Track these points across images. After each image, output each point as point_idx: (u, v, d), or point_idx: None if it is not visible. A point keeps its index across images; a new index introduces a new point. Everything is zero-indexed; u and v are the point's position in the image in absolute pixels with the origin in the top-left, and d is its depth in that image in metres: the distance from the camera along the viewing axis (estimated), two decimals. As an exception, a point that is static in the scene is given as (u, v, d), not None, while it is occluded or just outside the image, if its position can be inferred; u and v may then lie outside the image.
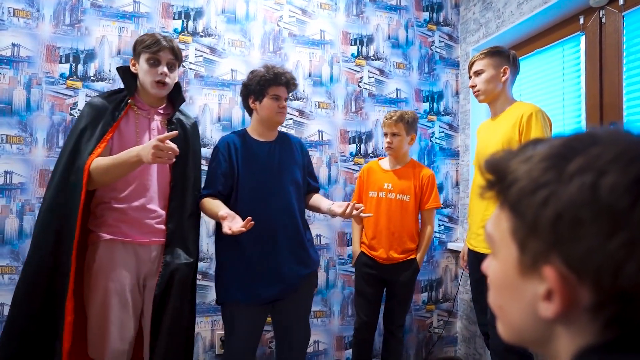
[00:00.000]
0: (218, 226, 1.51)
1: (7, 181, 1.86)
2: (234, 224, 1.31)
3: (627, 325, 0.33)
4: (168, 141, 1.21)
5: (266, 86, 1.56)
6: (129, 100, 1.40)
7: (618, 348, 0.33)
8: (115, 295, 1.30)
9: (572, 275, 0.33)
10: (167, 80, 1.39)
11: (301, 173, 1.66)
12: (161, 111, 1.47)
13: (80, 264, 1.32)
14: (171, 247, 1.39)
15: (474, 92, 1.65)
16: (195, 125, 1.57)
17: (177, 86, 1.50)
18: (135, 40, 1.42)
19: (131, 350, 1.36)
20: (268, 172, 1.57)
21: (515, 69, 1.59)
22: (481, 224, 1.56)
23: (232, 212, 1.37)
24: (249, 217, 1.30)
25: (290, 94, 1.66)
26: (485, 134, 1.67)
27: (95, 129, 1.32)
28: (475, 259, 1.59)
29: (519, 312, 0.38)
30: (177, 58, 1.43)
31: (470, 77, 1.68)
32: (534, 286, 0.36)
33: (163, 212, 1.42)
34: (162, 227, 1.41)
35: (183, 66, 2.10)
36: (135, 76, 1.43)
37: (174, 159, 1.26)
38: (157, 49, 1.37)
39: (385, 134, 1.94)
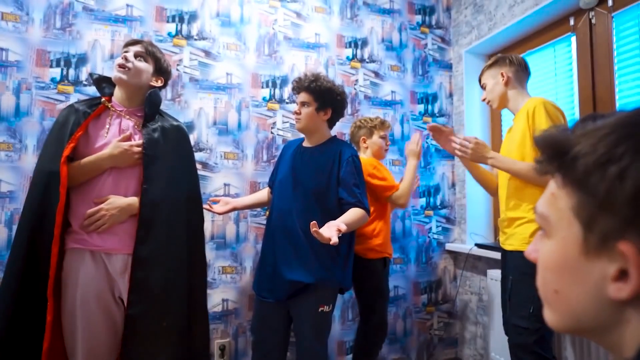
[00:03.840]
0: None
1: (-4, 189, 1.79)
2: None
3: None
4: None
5: None
6: (103, 100, 1.40)
7: None
8: (81, 306, 1.26)
9: None
10: (129, 64, 1.37)
11: (326, 182, 1.58)
12: (137, 114, 1.43)
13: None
14: (143, 257, 1.29)
15: (487, 104, 1.70)
16: (179, 128, 1.48)
17: (154, 93, 1.44)
18: None
19: None
20: (287, 175, 1.65)
21: (519, 67, 1.60)
22: (502, 223, 1.59)
23: (225, 198, 1.82)
24: (212, 199, 1.80)
25: (313, 97, 1.62)
26: (507, 134, 1.67)
27: (65, 130, 1.32)
28: (503, 256, 1.63)
29: (581, 295, 0.36)
30: (147, 53, 1.43)
31: None
32: (602, 266, 0.34)
33: (135, 219, 1.32)
34: (134, 234, 1.31)
35: (177, 70, 2.07)
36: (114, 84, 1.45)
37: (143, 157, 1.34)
38: (129, 44, 1.44)
39: (385, 137, 2.03)
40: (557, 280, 0.38)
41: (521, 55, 1.65)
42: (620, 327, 0.34)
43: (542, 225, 0.40)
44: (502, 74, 1.59)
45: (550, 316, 0.40)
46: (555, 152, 0.37)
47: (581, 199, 0.35)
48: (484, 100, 1.69)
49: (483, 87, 1.68)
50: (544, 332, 1.36)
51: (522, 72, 1.60)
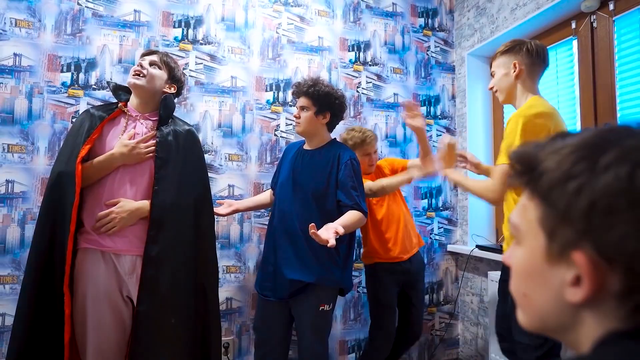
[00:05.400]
0: None
1: (9, 190, 1.85)
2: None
3: None
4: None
5: None
6: (119, 105, 1.47)
7: None
8: (91, 303, 1.31)
9: (602, 261, 0.34)
10: (144, 71, 1.44)
11: (324, 184, 1.62)
12: (151, 118, 1.48)
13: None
14: (153, 256, 1.32)
15: (494, 93, 1.54)
16: (190, 132, 1.52)
17: (169, 98, 1.49)
18: None
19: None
20: (287, 177, 1.70)
21: (537, 60, 1.41)
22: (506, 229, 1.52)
23: (228, 200, 1.86)
24: (218, 201, 1.84)
25: (311, 101, 1.67)
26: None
27: (81, 133, 1.38)
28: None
29: (545, 298, 0.39)
30: (162, 62, 1.50)
31: None
32: (562, 272, 0.37)
33: (145, 220, 1.36)
34: (144, 236, 1.35)
35: (184, 74, 2.12)
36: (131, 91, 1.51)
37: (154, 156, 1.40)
38: (145, 54, 1.52)
39: (369, 153, 2.00)
40: (525, 284, 0.41)
41: (540, 43, 1.44)
42: (578, 327, 0.38)
43: (514, 234, 0.43)
44: (514, 65, 1.40)
45: (521, 317, 0.43)
46: (526, 167, 0.40)
47: (545, 211, 0.38)
48: (490, 89, 1.52)
49: (492, 75, 1.51)
50: (549, 347, 1.27)
51: (539, 65, 1.42)
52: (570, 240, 0.36)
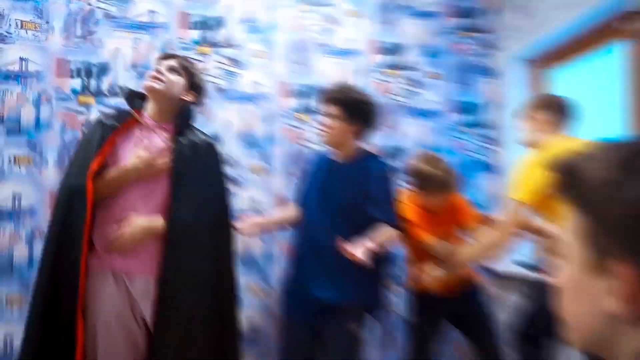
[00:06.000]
0: None
1: (16, 205, 1.79)
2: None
3: None
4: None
5: None
6: (134, 113, 1.42)
7: None
8: (103, 326, 1.27)
9: None
10: (162, 77, 1.37)
11: (356, 198, 1.57)
12: (168, 128, 1.41)
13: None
14: (169, 278, 1.27)
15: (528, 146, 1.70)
16: (210, 145, 1.46)
17: (187, 107, 1.43)
18: None
19: None
20: (316, 191, 1.64)
21: (559, 113, 1.58)
22: None
23: (251, 218, 1.78)
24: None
25: (341, 109, 1.57)
26: None
27: (92, 145, 1.33)
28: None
29: (587, 310, 0.40)
30: (181, 67, 1.43)
31: None
32: (602, 283, 0.37)
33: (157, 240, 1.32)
34: (157, 255, 1.29)
35: (204, 81, 2.03)
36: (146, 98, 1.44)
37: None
38: (162, 57, 1.46)
39: None
40: (569, 299, 0.42)
41: (566, 97, 1.64)
42: (620, 340, 0.38)
43: (560, 249, 0.44)
44: (540, 119, 1.58)
45: (568, 334, 0.43)
46: (568, 178, 0.41)
47: (586, 221, 0.38)
48: (523, 143, 1.67)
49: (522, 127, 1.67)
50: None
51: (562, 117, 1.58)
52: (611, 250, 0.36)
